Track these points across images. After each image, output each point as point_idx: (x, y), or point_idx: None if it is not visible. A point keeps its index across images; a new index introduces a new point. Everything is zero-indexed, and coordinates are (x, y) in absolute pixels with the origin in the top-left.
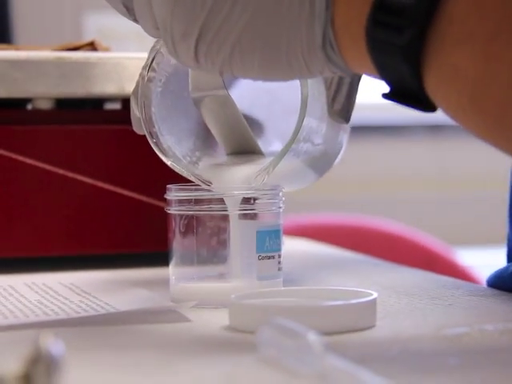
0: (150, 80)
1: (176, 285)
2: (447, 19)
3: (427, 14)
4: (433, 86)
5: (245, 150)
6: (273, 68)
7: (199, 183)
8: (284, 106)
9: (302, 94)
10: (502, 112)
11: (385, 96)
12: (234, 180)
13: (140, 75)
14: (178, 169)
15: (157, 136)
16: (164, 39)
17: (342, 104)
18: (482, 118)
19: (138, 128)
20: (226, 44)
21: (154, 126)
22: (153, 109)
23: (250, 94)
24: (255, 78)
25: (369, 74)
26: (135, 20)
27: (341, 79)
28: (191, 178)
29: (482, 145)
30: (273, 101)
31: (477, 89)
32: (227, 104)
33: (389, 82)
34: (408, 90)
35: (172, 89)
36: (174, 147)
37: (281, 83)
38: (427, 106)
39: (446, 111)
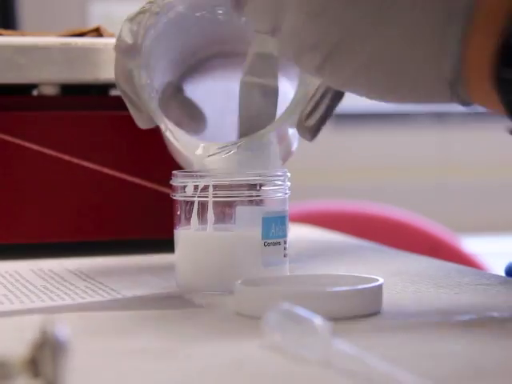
0: (155, 14)
1: (182, 270)
2: None
3: None
4: None
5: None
6: (397, 94)
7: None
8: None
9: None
10: None
11: None
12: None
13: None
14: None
15: (150, 70)
16: (286, 44)
17: (315, 121)
18: None
19: (124, 55)
20: (353, 65)
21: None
22: (147, 41)
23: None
24: (375, 99)
25: (495, 111)
26: (237, 10)
27: (321, 98)
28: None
29: (486, 132)
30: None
31: None
32: (271, 95)
33: None
34: None
35: (166, 38)
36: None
37: None
38: None
39: None
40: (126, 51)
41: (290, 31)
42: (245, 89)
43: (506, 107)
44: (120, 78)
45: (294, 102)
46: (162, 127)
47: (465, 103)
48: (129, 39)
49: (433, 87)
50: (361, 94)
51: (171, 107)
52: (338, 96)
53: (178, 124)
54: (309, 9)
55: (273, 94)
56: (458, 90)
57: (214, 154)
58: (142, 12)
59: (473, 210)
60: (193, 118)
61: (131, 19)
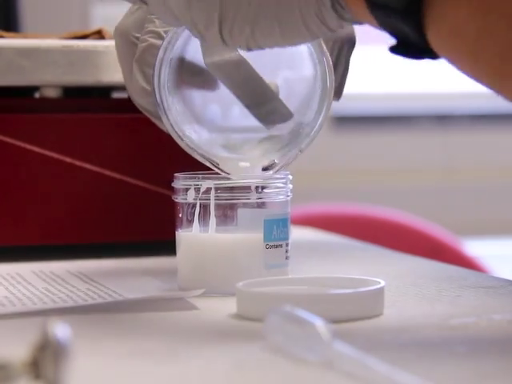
0: (164, 50)
1: (183, 273)
2: None
3: None
4: (436, 44)
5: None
6: (294, 34)
7: (209, 163)
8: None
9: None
10: (502, 63)
11: (392, 51)
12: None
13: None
14: (191, 149)
15: (168, 109)
16: (189, 29)
17: (338, 83)
18: (484, 70)
19: (140, 96)
20: (245, 26)
21: (165, 96)
22: (162, 77)
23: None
24: (282, 46)
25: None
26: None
27: (338, 59)
28: (200, 158)
29: (489, 135)
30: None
31: (477, 43)
32: (242, 65)
33: (395, 39)
34: (414, 45)
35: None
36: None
37: None
38: (433, 57)
39: (452, 65)
40: (140, 95)
41: (182, 19)
42: (214, 70)
43: (383, 29)
44: (138, 99)
45: (326, 94)
46: (197, 158)
47: (357, 23)
48: (142, 81)
49: (323, 16)
50: (267, 47)
51: (183, 79)
52: (351, 47)
53: (196, 89)
54: None
55: (242, 62)
56: (343, 14)
57: (278, 168)
58: (146, 50)
59: (475, 212)
60: (204, 80)
61: (138, 59)
